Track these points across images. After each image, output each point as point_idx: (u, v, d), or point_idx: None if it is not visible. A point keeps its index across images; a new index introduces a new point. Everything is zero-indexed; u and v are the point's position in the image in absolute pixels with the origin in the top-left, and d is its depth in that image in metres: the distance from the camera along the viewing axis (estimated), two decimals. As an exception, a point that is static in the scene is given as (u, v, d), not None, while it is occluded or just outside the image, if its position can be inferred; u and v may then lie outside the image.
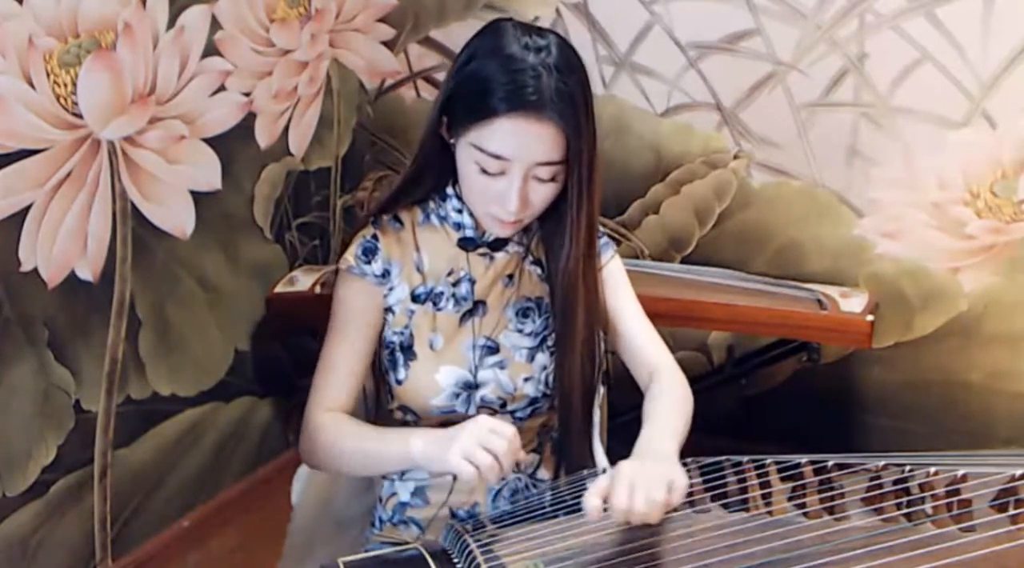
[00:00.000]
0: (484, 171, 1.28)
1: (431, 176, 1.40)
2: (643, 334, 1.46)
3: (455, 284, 1.41)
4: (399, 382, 1.40)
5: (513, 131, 1.25)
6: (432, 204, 1.42)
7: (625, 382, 1.50)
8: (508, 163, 1.26)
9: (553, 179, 1.30)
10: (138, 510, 2.12)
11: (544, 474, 1.50)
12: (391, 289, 1.40)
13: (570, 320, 1.40)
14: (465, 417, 1.40)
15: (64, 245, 1.85)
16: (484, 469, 1.18)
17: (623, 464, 1.20)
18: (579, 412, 1.44)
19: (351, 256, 1.39)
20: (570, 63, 1.28)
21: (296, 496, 1.49)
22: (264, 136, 2.30)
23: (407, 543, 1.34)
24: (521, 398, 1.42)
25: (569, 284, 1.39)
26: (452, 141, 1.33)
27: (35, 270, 1.81)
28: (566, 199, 1.34)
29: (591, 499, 1.15)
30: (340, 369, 1.38)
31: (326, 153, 2.54)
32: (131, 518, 2.10)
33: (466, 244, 1.41)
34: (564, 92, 1.25)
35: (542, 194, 1.31)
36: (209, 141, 2.14)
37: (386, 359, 1.42)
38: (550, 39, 1.29)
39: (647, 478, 1.16)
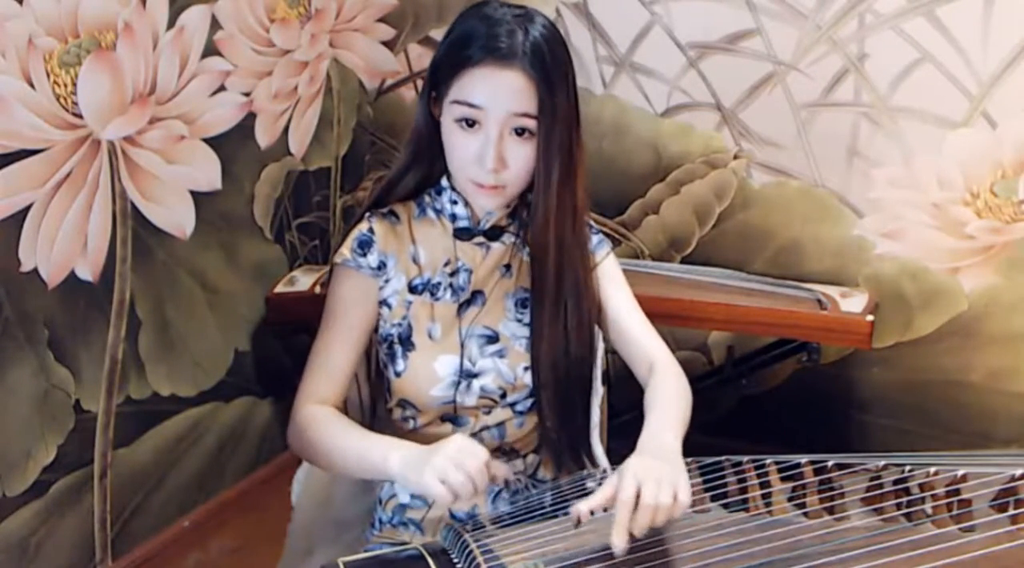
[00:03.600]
0: (463, 127, 1.30)
1: (424, 162, 1.41)
2: (639, 329, 1.46)
3: (452, 274, 1.41)
4: (398, 374, 1.40)
5: (484, 77, 1.28)
6: (428, 198, 1.43)
7: (625, 382, 1.50)
8: (483, 113, 1.29)
9: (530, 136, 1.31)
10: (138, 510, 2.12)
11: (544, 474, 1.49)
12: (387, 281, 1.40)
13: (540, 284, 1.39)
14: (465, 408, 1.40)
15: (64, 245, 1.85)
16: (456, 487, 1.18)
17: (629, 460, 1.20)
18: (554, 394, 1.42)
19: (346, 249, 1.40)
20: (549, 33, 1.32)
21: (296, 496, 1.48)
22: (264, 136, 2.30)
23: (407, 544, 1.34)
24: (521, 387, 1.42)
25: (538, 242, 1.38)
26: (440, 117, 1.35)
27: (35, 270, 1.81)
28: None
29: (582, 506, 1.15)
30: (331, 362, 1.38)
31: (326, 153, 2.54)
32: (131, 518, 2.11)
33: (462, 234, 1.41)
34: (536, 46, 1.29)
35: (518, 154, 1.31)
36: (209, 141, 2.14)
37: (384, 353, 1.42)
38: (533, 12, 1.33)
39: (655, 475, 1.16)
